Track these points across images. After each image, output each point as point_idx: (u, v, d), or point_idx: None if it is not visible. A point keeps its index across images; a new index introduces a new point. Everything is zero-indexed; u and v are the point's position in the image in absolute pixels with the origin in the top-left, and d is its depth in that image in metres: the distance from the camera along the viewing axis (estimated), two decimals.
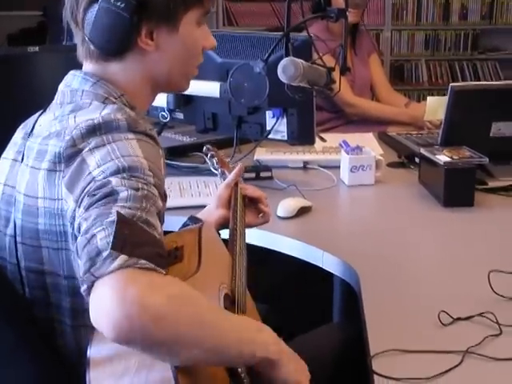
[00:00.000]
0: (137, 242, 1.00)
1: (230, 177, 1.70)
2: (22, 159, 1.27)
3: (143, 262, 0.98)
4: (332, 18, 1.85)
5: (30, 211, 1.21)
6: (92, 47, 1.29)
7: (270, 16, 5.37)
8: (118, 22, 1.25)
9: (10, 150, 1.33)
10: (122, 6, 1.24)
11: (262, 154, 2.44)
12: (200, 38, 1.38)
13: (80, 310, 1.21)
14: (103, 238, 0.99)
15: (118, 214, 1.01)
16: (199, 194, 2.13)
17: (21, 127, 1.36)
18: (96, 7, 1.26)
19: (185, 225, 1.56)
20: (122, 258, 0.97)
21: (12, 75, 2.15)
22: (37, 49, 2.16)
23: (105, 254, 0.97)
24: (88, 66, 1.34)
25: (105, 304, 0.95)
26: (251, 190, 1.72)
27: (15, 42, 5.35)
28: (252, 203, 1.72)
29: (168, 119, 2.45)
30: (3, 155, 1.35)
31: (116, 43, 1.28)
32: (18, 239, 1.24)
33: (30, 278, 1.25)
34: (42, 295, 1.24)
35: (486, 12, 5.58)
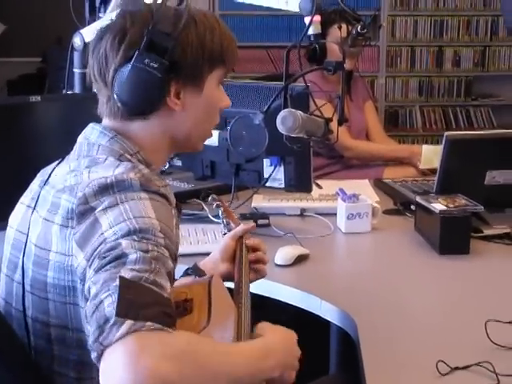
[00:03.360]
0: (142, 303, 1.00)
1: (238, 229, 1.70)
2: (35, 207, 1.29)
3: (149, 324, 0.98)
4: (330, 70, 1.89)
5: (40, 263, 1.22)
6: (119, 106, 1.31)
7: (267, 62, 5.44)
8: (150, 81, 1.27)
9: (26, 196, 1.35)
10: (156, 65, 1.26)
11: (260, 202, 2.45)
12: (219, 98, 1.41)
13: (87, 363, 1.20)
14: (110, 304, 0.99)
15: (121, 278, 1.02)
16: (198, 241, 2.14)
17: (39, 174, 1.38)
18: (128, 67, 1.27)
19: (186, 273, 1.57)
20: (128, 323, 0.97)
21: (13, 124, 2.17)
22: (39, 98, 2.18)
23: (111, 321, 0.97)
24: (109, 121, 1.35)
25: (115, 374, 0.94)
26: (256, 242, 1.70)
27: (15, 88, 5.40)
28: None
29: (167, 167, 2.47)
30: (20, 200, 1.37)
31: (146, 103, 1.30)
32: (27, 288, 1.25)
33: (36, 327, 1.25)
34: (46, 347, 1.25)
35: (478, 59, 5.66)
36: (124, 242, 1.08)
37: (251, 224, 1.72)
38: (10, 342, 1.25)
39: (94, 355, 0.98)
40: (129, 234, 1.09)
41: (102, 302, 1.00)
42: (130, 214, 1.12)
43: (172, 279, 1.12)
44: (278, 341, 1.24)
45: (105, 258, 1.07)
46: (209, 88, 1.36)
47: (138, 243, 1.08)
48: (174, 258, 1.16)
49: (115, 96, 1.30)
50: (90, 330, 1.00)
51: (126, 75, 1.28)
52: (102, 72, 1.32)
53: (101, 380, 0.96)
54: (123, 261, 1.05)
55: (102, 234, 1.11)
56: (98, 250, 1.09)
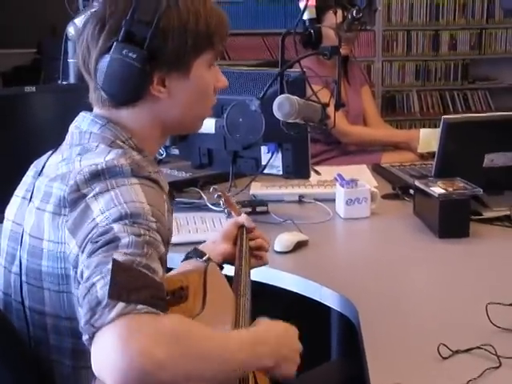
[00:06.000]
0: (134, 287, 1.00)
1: (241, 218, 1.70)
2: (31, 198, 1.28)
3: (141, 306, 0.98)
4: (326, 55, 1.87)
5: (34, 252, 1.23)
6: (104, 96, 1.30)
7: (262, 50, 5.42)
8: (130, 72, 1.26)
9: (21, 188, 1.35)
10: (134, 56, 1.25)
11: (258, 189, 2.45)
12: (211, 79, 1.39)
13: (81, 351, 1.21)
14: (102, 286, 1.00)
15: (114, 261, 1.02)
16: (196, 230, 2.13)
17: (33, 165, 1.38)
18: (107, 57, 1.26)
19: (187, 257, 1.56)
20: (120, 306, 0.97)
21: (9, 115, 2.16)
22: (34, 89, 2.17)
23: (103, 303, 0.98)
24: (99, 110, 1.35)
25: (106, 354, 0.95)
26: (258, 234, 1.70)
27: (9, 80, 5.38)
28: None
29: (164, 156, 2.47)
30: (15, 193, 1.37)
31: (128, 93, 1.29)
32: (24, 278, 1.25)
33: (34, 317, 1.26)
34: (43, 336, 1.25)
35: (474, 42, 5.65)
36: (116, 227, 1.08)
37: (252, 224, 1.71)
38: (8, 335, 1.25)
39: (85, 337, 0.99)
40: (120, 218, 1.09)
41: (94, 284, 1.01)
42: (121, 199, 1.12)
43: (164, 264, 1.12)
44: (271, 330, 1.23)
45: (97, 242, 1.07)
46: (197, 72, 1.34)
47: (130, 227, 1.08)
48: (166, 242, 1.16)
49: (98, 86, 1.29)
50: (82, 312, 1.00)
51: (105, 66, 1.27)
52: (86, 61, 1.32)
53: (92, 362, 0.97)
54: (116, 244, 1.05)
55: (94, 219, 1.11)
56: (90, 236, 1.09)
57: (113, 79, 1.28)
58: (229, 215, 1.78)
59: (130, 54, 1.25)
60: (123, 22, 1.26)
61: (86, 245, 1.09)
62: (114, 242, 1.06)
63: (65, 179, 1.20)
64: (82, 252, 1.09)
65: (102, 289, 0.99)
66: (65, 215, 1.17)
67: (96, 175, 1.16)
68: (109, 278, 1.00)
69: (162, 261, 1.10)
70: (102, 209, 1.11)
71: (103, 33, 1.28)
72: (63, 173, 1.23)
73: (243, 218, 1.70)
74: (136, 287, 1.01)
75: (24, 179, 1.37)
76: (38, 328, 1.26)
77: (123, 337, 0.95)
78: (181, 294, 1.21)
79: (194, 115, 1.41)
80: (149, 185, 1.18)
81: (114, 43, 1.26)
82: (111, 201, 1.12)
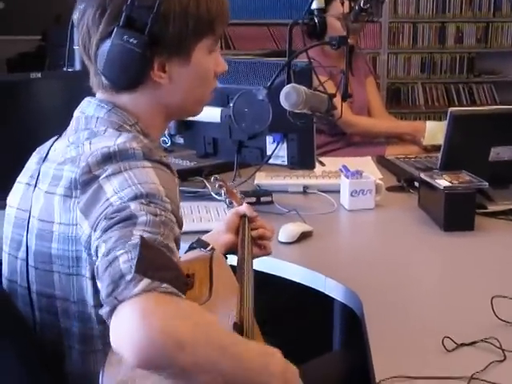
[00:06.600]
0: (159, 265, 1.01)
1: (242, 207, 1.70)
2: (36, 184, 1.28)
3: (165, 285, 0.98)
4: (334, 45, 1.87)
5: (43, 235, 1.22)
6: (105, 80, 1.30)
7: (268, 40, 5.40)
8: (130, 57, 1.26)
9: (24, 175, 1.35)
10: (135, 42, 1.25)
11: (262, 179, 2.44)
12: (212, 64, 1.38)
13: (89, 336, 1.22)
14: (126, 261, 0.99)
15: (142, 237, 1.02)
16: (200, 219, 2.13)
17: (36, 152, 1.37)
18: (108, 43, 1.26)
19: (191, 247, 1.56)
20: (145, 281, 0.97)
21: (14, 101, 2.16)
22: (39, 75, 2.17)
23: (128, 277, 0.98)
24: (102, 95, 1.34)
25: (128, 328, 0.95)
26: (260, 223, 1.70)
27: (14, 66, 5.38)
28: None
29: (169, 144, 2.46)
30: (18, 179, 1.36)
31: (129, 78, 1.29)
32: (31, 263, 1.25)
33: (41, 301, 1.26)
34: (52, 319, 1.25)
35: (481, 35, 5.64)
36: (132, 205, 1.08)
37: (254, 213, 1.71)
38: (15, 320, 1.25)
39: (105, 309, 0.98)
40: (136, 197, 1.09)
41: (116, 258, 1.00)
42: (135, 180, 1.12)
43: (178, 246, 1.12)
44: (279, 355, 1.17)
45: (112, 218, 1.07)
46: (198, 57, 1.33)
47: (146, 206, 1.08)
48: (181, 225, 1.16)
49: (99, 71, 1.29)
50: (103, 285, 1.00)
51: (106, 51, 1.27)
52: (86, 46, 1.31)
53: (111, 334, 0.97)
54: (133, 221, 1.05)
55: (108, 199, 1.11)
56: (103, 213, 1.09)
57: (113, 64, 1.27)
58: (230, 205, 1.78)
59: (131, 40, 1.25)
60: (124, 6, 1.25)
61: (99, 222, 1.09)
62: (131, 219, 1.06)
63: (75, 162, 1.20)
64: (95, 229, 1.09)
65: (125, 263, 0.99)
66: (76, 197, 1.17)
67: (108, 157, 1.16)
68: (133, 253, 1.00)
69: (177, 243, 1.11)
70: (115, 189, 1.11)
71: (104, 18, 1.27)
72: (73, 156, 1.23)
73: (244, 208, 1.70)
74: (161, 266, 1.01)
75: (27, 166, 1.37)
76: (45, 312, 1.25)
77: (147, 312, 0.95)
78: (187, 282, 1.20)
79: (195, 100, 1.40)
80: (161, 168, 1.19)
81: (115, 28, 1.26)
82: (125, 181, 1.12)
